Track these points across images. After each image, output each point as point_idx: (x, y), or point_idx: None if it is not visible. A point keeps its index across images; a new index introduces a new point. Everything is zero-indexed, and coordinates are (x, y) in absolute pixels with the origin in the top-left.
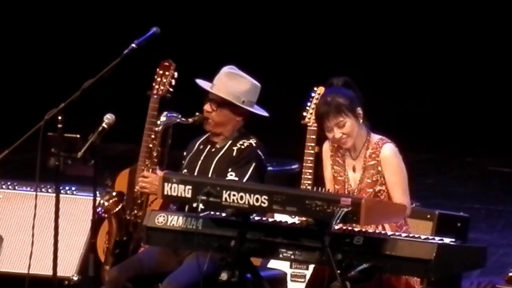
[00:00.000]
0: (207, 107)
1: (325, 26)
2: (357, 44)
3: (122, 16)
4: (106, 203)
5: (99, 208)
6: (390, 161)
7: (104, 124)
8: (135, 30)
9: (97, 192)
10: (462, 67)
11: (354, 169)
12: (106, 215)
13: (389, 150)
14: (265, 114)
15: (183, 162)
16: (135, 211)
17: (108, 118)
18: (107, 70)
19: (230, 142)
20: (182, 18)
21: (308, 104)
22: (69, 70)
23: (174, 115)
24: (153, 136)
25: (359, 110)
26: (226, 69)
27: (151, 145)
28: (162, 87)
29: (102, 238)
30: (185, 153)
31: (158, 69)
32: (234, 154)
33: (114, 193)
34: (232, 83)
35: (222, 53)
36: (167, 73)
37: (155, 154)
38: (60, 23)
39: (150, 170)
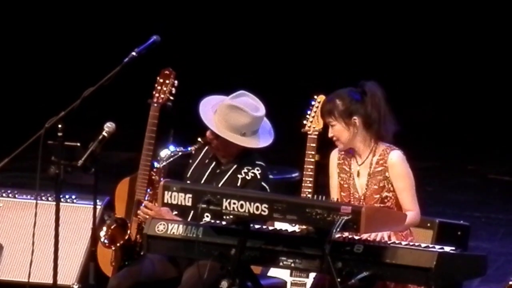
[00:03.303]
0: (208, 134)
1: (326, 34)
2: (358, 52)
3: (123, 24)
4: (109, 231)
5: (103, 239)
6: (397, 167)
7: (104, 133)
8: (136, 38)
9: (97, 201)
10: (463, 75)
11: (358, 174)
12: (111, 245)
13: (396, 157)
14: (266, 144)
15: (188, 170)
16: (138, 237)
17: (109, 126)
18: (108, 79)
19: (235, 166)
20: (182, 26)
21: (308, 112)
22: (69, 78)
23: (176, 150)
24: (155, 170)
25: (355, 120)
26: (229, 101)
27: (153, 178)
28: (162, 96)
29: (105, 252)
30: (190, 161)
31: (158, 78)
32: (239, 184)
33: (115, 217)
34: (233, 115)
35: (223, 61)
36: (167, 81)
37: (157, 186)
38: (61, 31)
39: (153, 202)
